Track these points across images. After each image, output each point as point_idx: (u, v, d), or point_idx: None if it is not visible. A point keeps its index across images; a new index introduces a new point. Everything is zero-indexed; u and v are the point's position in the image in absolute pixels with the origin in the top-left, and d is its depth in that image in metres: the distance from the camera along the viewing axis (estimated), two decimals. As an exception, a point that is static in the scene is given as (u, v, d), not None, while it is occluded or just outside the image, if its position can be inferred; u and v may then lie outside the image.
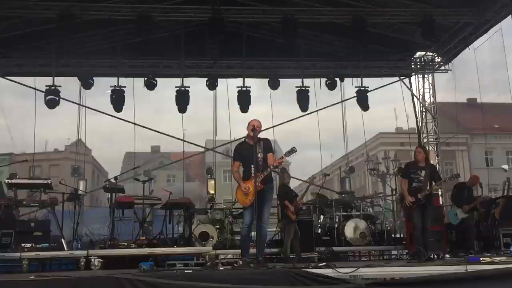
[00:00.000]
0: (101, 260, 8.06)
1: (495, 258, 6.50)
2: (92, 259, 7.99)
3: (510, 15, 10.87)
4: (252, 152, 6.79)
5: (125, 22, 11.59)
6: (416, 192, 7.88)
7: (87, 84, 13.18)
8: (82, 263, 8.03)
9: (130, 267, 7.80)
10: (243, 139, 7.29)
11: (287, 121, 14.87)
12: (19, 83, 13.45)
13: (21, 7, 10.51)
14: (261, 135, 7.23)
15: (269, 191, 7.08)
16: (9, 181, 8.57)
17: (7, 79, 13.41)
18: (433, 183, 7.96)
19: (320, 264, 5.61)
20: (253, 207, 6.73)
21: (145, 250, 8.47)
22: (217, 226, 10.86)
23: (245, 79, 13.67)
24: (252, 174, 6.76)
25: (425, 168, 8.05)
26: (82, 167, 17.43)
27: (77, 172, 14.62)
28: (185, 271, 5.35)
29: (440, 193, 12.35)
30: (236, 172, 7.03)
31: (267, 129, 13.47)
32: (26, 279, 4.61)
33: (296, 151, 6.86)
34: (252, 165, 6.78)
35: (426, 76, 14.31)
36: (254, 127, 6.93)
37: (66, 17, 10.39)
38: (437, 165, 13.86)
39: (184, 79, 13.48)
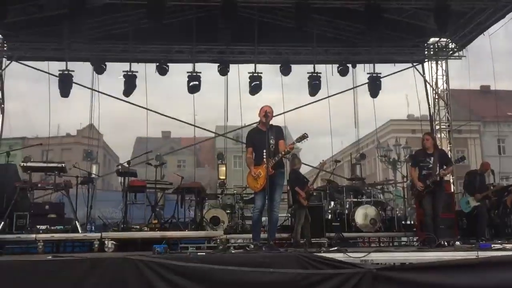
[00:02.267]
0: (114, 243, 8.20)
1: (506, 245, 6.51)
2: (106, 242, 8.14)
3: (527, 1, 10.70)
4: (264, 138, 6.85)
5: (137, 7, 11.59)
6: (425, 178, 7.94)
7: (99, 69, 13.24)
8: (96, 245, 8.19)
9: (142, 250, 7.94)
10: (255, 125, 7.34)
11: (298, 107, 14.90)
12: (32, 67, 13.56)
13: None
14: (273, 121, 7.29)
15: (280, 176, 7.16)
16: (24, 164, 8.71)
17: (21, 63, 13.51)
18: (442, 169, 7.98)
19: (332, 249, 5.67)
20: (264, 191, 6.83)
21: (157, 234, 8.60)
22: (228, 211, 10.96)
23: (257, 65, 13.65)
24: (264, 160, 6.83)
25: (434, 154, 8.09)
26: (95, 151, 17.59)
27: (90, 156, 14.78)
28: (198, 253, 5.43)
29: (451, 180, 12.34)
30: (250, 157, 7.09)
31: (278, 115, 13.46)
32: (44, 259, 4.72)
33: (308, 137, 6.89)
34: (264, 151, 6.84)
35: (439, 62, 14.17)
36: (266, 113, 6.97)
37: (78, 1, 10.41)
38: (449, 153, 13.81)
39: (196, 64, 13.50)
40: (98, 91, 13.56)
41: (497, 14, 11.67)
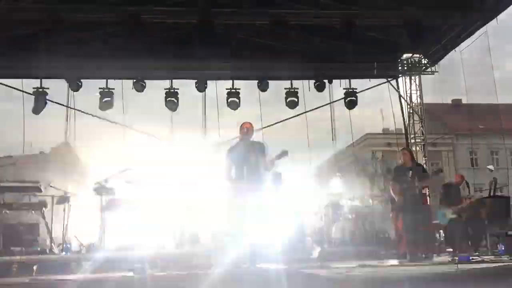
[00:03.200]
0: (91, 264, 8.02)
1: (484, 257, 6.61)
2: (83, 263, 7.95)
3: (496, 18, 11.05)
4: (244, 154, 6.81)
5: (114, 24, 11.53)
6: (404, 192, 8.05)
7: (74, 86, 13.06)
8: (73, 267, 7.99)
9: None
10: (235, 142, 7.33)
11: (276, 123, 14.92)
12: (5, 85, 13.29)
13: (8, 10, 10.38)
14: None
15: None
16: (-3, 184, 8.50)
17: (-6, 81, 13.25)
18: (420, 181, 8.13)
19: (314, 265, 5.65)
20: None
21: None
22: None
23: (235, 81, 13.70)
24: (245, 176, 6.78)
25: (412, 168, 8.23)
26: (71, 169, 17.29)
27: (66, 174, 14.47)
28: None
29: (427, 193, 12.51)
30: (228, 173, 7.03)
31: (256, 130, 13.50)
32: (23, 281, 4.58)
33: (287, 154, 6.86)
34: (245, 167, 6.79)
35: (413, 77, 14.46)
36: (246, 129, 6.94)
37: (54, 19, 10.29)
38: (425, 166, 14.02)
39: (174, 81, 13.46)
40: (74, 108, 13.38)
41: (468, 30, 12.00)
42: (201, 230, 10.57)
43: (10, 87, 13.28)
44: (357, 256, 11.63)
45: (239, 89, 13.67)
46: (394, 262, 7.98)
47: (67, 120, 13.47)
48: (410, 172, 8.22)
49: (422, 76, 14.47)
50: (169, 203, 10.28)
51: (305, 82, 14.08)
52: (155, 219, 10.22)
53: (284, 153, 6.89)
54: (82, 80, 13.16)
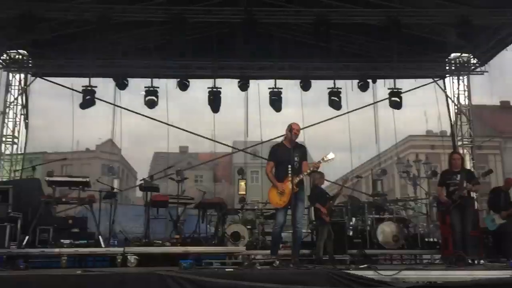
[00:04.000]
0: (137, 258, 8.22)
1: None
2: (129, 256, 8.16)
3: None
4: (289, 155, 6.93)
5: (159, 23, 11.76)
6: (452, 194, 7.90)
7: (121, 85, 13.39)
8: (119, 260, 8.20)
9: (164, 265, 7.93)
10: (279, 140, 7.38)
11: (318, 123, 14.83)
12: (56, 83, 13.80)
13: (60, 9, 10.75)
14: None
15: (302, 193, 7.20)
16: (49, 178, 8.80)
17: (46, 79, 13.76)
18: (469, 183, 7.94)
19: (361, 266, 5.58)
20: (287, 208, 6.96)
21: (180, 249, 8.59)
22: (249, 226, 10.90)
23: (277, 80, 13.68)
24: (287, 176, 6.89)
25: (461, 172, 8.10)
26: (115, 166, 17.79)
27: (111, 171, 14.92)
28: (226, 269, 5.39)
29: (475, 197, 12.12)
30: (270, 172, 7.11)
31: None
32: (74, 273, 4.74)
33: (333, 157, 7.05)
34: (288, 167, 6.89)
35: (461, 77, 14.04)
36: (295, 131, 7.09)
37: (103, 19, 10.59)
38: (472, 169, 13.60)
39: (217, 80, 13.59)
40: (120, 107, 13.73)
41: (521, 29, 11.56)
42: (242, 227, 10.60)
43: (60, 85, 13.77)
44: (401, 260, 11.57)
45: (281, 88, 13.65)
46: (440, 266, 7.78)
47: (113, 118, 13.85)
48: (459, 176, 8.06)
49: (471, 76, 14.00)
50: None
51: (348, 81, 13.93)
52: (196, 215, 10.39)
53: (330, 157, 7.07)
54: (128, 79, 13.47)
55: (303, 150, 7.22)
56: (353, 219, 11.45)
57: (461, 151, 13.65)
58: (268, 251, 8.38)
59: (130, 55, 13.36)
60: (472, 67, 13.80)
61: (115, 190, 10.74)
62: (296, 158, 6.99)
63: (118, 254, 8.23)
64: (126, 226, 12.92)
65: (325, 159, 7.03)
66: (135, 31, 12.72)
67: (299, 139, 7.59)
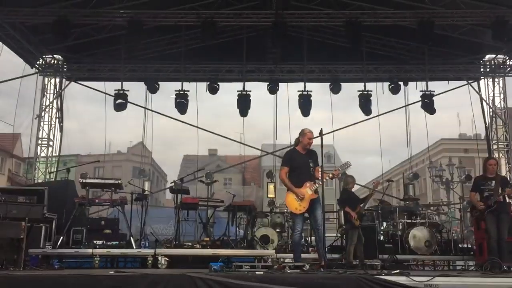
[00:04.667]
0: (167, 259, 8.32)
1: None
2: (159, 258, 8.27)
3: None
4: (304, 161, 7.12)
5: (189, 27, 11.90)
6: (487, 199, 7.72)
7: (152, 89, 13.61)
8: (150, 261, 8.32)
9: (193, 267, 7.99)
10: (293, 147, 7.48)
11: (347, 126, 14.68)
12: (90, 87, 14.13)
13: (92, 14, 11.00)
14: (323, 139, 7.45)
15: (319, 198, 7.17)
16: (83, 180, 9.00)
17: (80, 83, 14.11)
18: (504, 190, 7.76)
19: (394, 272, 5.48)
20: (304, 214, 7.08)
21: (209, 251, 8.65)
22: (278, 230, 10.85)
23: (306, 83, 13.64)
24: (305, 183, 6.99)
25: (495, 178, 8.00)
26: (146, 168, 18.06)
27: (142, 173, 15.17)
28: (256, 273, 5.39)
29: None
30: (286, 177, 7.14)
31: (327, 133, 13.35)
32: (107, 274, 4.82)
33: (351, 165, 7.29)
34: (305, 173, 7.04)
35: (496, 79, 13.67)
36: (311, 140, 7.21)
37: (135, 23, 10.78)
38: (508, 173, 13.23)
39: (246, 83, 13.64)
40: (152, 110, 13.95)
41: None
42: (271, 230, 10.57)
43: (93, 89, 14.08)
44: (434, 266, 11.31)
45: (310, 91, 13.58)
46: (475, 273, 7.57)
47: (145, 122, 14.06)
48: (493, 182, 7.88)
49: (507, 78, 13.64)
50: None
51: (379, 84, 13.75)
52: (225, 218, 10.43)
53: (347, 165, 7.32)
54: (159, 83, 13.66)
55: (315, 155, 7.29)
56: (384, 223, 11.26)
57: (496, 155, 13.32)
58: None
59: (161, 59, 13.56)
60: (508, 69, 13.45)
61: (146, 192, 10.89)
62: (311, 164, 7.13)
63: (149, 256, 8.35)
64: (157, 228, 13.13)
65: (342, 167, 7.27)
66: (166, 35, 12.91)
67: (329, 141, 7.64)
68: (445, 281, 4.81)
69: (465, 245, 11.35)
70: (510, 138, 13.91)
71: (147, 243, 9.31)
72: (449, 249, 10.65)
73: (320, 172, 7.08)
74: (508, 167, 13.47)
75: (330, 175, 7.12)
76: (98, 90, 13.91)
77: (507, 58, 13.25)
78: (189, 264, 8.84)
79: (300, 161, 7.13)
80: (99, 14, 11.02)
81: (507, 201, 8.51)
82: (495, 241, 7.52)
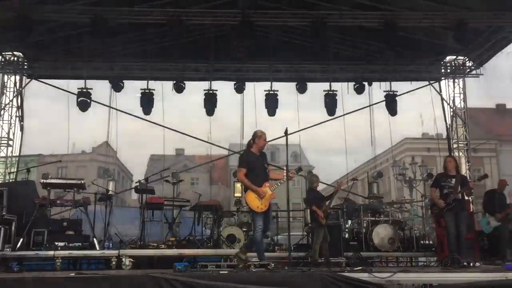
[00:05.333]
0: (132, 260, 8.21)
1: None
2: (123, 259, 8.16)
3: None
4: (260, 162, 7.38)
5: (155, 26, 11.75)
6: (446, 196, 7.95)
7: (117, 87, 13.38)
8: (114, 263, 8.20)
9: (159, 267, 7.92)
10: (247, 149, 7.58)
11: (313, 125, 14.81)
12: (52, 85, 13.76)
13: (56, 11, 10.72)
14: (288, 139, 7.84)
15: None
16: (44, 180, 8.78)
17: (41, 81, 13.72)
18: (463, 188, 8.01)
19: (356, 268, 5.57)
20: (264, 212, 7.20)
21: (175, 251, 8.58)
22: (244, 229, 10.86)
23: (273, 82, 13.69)
24: (263, 183, 7.19)
25: (456, 176, 8.21)
26: (111, 168, 17.74)
27: (107, 173, 14.87)
28: (221, 272, 5.37)
29: (471, 200, 12.15)
30: (245, 178, 7.25)
31: (293, 133, 13.47)
32: (67, 276, 4.71)
33: (302, 170, 7.76)
34: (263, 174, 7.27)
35: (456, 80, 14.07)
36: (265, 142, 7.49)
37: (99, 21, 10.56)
38: (467, 171, 13.63)
39: (212, 82, 13.58)
40: (116, 109, 13.68)
41: (515, 32, 11.60)
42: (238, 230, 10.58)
43: (56, 87, 13.72)
44: (397, 262, 11.57)
45: (277, 91, 13.64)
46: (435, 269, 7.78)
47: (109, 121, 13.80)
48: (453, 179, 8.12)
49: (466, 79, 14.04)
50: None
51: (344, 84, 13.94)
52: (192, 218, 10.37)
53: (300, 169, 7.65)
54: (124, 81, 13.44)
55: (266, 156, 7.59)
56: (349, 221, 11.46)
57: (456, 154, 13.70)
58: (266, 254, 8.37)
59: (126, 57, 13.34)
60: (468, 70, 13.84)
61: (110, 193, 10.71)
62: (265, 165, 7.42)
63: (113, 257, 8.22)
64: (122, 228, 12.88)
65: (297, 170, 7.52)
66: (131, 33, 12.71)
67: (295, 141, 7.78)
68: (405, 277, 4.93)
69: (427, 242, 11.67)
70: (470, 137, 14.35)
71: (110, 244, 9.16)
72: (411, 245, 10.92)
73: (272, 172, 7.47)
74: (468, 165, 13.88)
75: (285, 177, 7.34)
76: (60, 88, 13.59)
77: (467, 59, 13.64)
78: (154, 264, 8.75)
79: (257, 162, 7.35)
80: (61, 10, 10.74)
81: (466, 199, 8.80)
82: (454, 237, 7.75)
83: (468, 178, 13.00)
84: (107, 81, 13.44)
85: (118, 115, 13.87)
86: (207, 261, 8.95)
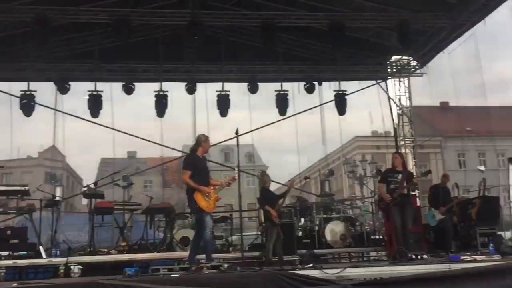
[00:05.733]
0: (81, 267, 7.97)
1: (476, 256, 6.65)
2: (72, 266, 7.91)
3: (483, 20, 11.16)
4: (205, 165, 7.56)
5: (102, 26, 11.46)
6: (393, 192, 8.19)
7: (63, 89, 12.94)
8: (62, 271, 7.92)
9: (111, 273, 7.70)
10: (192, 152, 7.58)
11: (265, 125, 14.87)
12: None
13: (-4, 11, 10.26)
14: (241, 139, 8.10)
15: None
16: (-15, 188, 8.37)
17: (-20, 84, 13.07)
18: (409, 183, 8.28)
19: (307, 266, 5.64)
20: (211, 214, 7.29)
21: (126, 256, 8.40)
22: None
23: (224, 83, 13.66)
24: (208, 184, 7.25)
25: (402, 172, 8.44)
26: (58, 173, 17.15)
27: (54, 178, 14.34)
28: (172, 275, 5.29)
29: (417, 194, 12.59)
30: (191, 180, 7.21)
31: (245, 133, 13.49)
32: (10, 287, 4.50)
33: (236, 176, 7.85)
34: (207, 177, 7.34)
35: (402, 79, 14.54)
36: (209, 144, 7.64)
37: (42, 20, 10.18)
38: (414, 167, 14.12)
39: (163, 83, 13.39)
40: (62, 112, 13.24)
41: (455, 33, 12.11)
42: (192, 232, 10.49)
43: (-3, 90, 13.09)
44: (349, 258, 11.82)
45: (228, 91, 13.63)
46: (384, 263, 8.01)
47: (54, 124, 13.34)
48: (400, 175, 8.39)
49: (411, 78, 14.53)
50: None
51: (295, 84, 14.10)
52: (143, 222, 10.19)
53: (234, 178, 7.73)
54: (70, 83, 13.02)
55: (205, 161, 7.73)
56: (302, 219, 11.60)
57: (403, 151, 14.15)
58: (217, 255, 8.35)
59: (72, 58, 12.92)
60: (412, 70, 14.33)
61: (57, 198, 10.33)
62: (208, 168, 7.58)
63: (61, 265, 7.94)
64: (70, 235, 12.52)
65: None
66: (77, 33, 12.33)
67: (247, 142, 7.80)
68: (355, 272, 5.05)
69: (377, 237, 12.00)
70: (416, 134, 14.88)
71: (58, 251, 8.84)
72: (362, 241, 11.19)
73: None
74: (414, 161, 14.37)
75: (228, 182, 7.48)
76: (1, 91, 12.98)
77: (411, 59, 14.12)
78: (105, 271, 8.50)
79: (202, 165, 7.47)
80: (2, 9, 10.28)
81: (412, 193, 9.12)
82: (400, 231, 8.00)
83: (414, 173, 13.50)
84: (52, 83, 12.97)
85: (65, 118, 13.45)
86: (160, 265, 8.87)
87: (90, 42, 12.67)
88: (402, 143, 14.42)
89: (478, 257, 6.58)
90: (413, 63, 14.20)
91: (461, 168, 34.38)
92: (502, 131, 33.47)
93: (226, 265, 6.57)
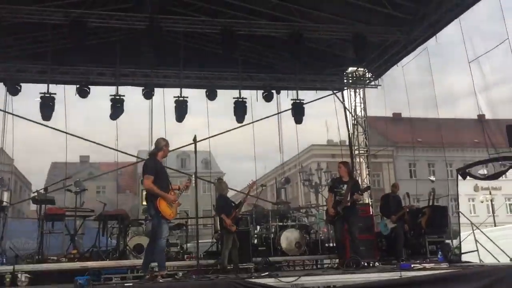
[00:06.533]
0: (28, 276, 7.64)
1: (425, 264, 6.86)
2: (19, 275, 7.57)
3: (435, 36, 11.63)
4: (164, 168, 7.35)
5: (57, 26, 11.15)
6: (337, 205, 8.38)
7: (13, 90, 12.47)
8: (8, 279, 7.57)
9: (60, 282, 7.47)
10: (152, 156, 7.34)
11: (223, 132, 14.88)
12: None
13: None
14: (198, 145, 8.06)
15: None
16: None
17: None
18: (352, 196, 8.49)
19: (263, 274, 5.65)
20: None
21: (77, 264, 8.15)
22: (153, 238, 10.59)
23: (182, 89, 13.56)
24: (170, 191, 7.10)
25: (348, 182, 8.61)
26: (6, 177, 16.44)
27: (1, 183, 13.73)
28: (125, 284, 5.18)
29: (370, 203, 12.90)
30: (154, 185, 6.98)
31: (203, 140, 13.46)
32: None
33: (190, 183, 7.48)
34: (167, 182, 7.15)
35: (357, 90, 14.90)
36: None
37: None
38: (367, 176, 14.46)
39: (120, 87, 13.14)
40: (12, 114, 12.73)
41: (409, 47, 12.55)
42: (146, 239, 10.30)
43: None
44: (303, 266, 11.92)
45: (186, 97, 13.53)
46: (338, 271, 8.14)
47: (4, 127, 12.81)
48: (345, 186, 8.55)
49: (366, 89, 14.92)
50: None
51: (253, 92, 14.20)
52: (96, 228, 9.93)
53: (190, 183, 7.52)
54: (21, 84, 12.57)
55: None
56: (258, 227, 11.62)
57: (357, 160, 14.49)
58: (172, 263, 8.24)
59: (24, 59, 12.48)
60: (367, 81, 14.73)
61: (4, 204, 9.90)
62: (167, 172, 7.40)
63: (7, 273, 7.59)
64: (18, 242, 11.98)
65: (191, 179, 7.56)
66: (31, 33, 11.94)
67: (205, 148, 7.72)
68: (309, 280, 5.10)
69: (331, 244, 12.16)
70: (369, 144, 15.25)
71: (4, 259, 8.46)
72: (317, 249, 11.32)
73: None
74: (368, 170, 14.72)
75: (185, 186, 7.34)
76: None
77: (366, 71, 14.53)
78: (54, 280, 8.22)
79: (162, 169, 7.26)
80: None
81: (358, 202, 9.32)
82: (340, 243, 8.39)
83: (367, 182, 13.83)
84: (1, 83, 12.49)
85: (15, 120, 12.93)
86: (112, 274, 8.64)
87: (43, 42, 12.31)
88: (356, 152, 14.74)
89: (427, 265, 6.80)
90: (369, 74, 14.61)
91: (412, 178, 35.48)
92: (452, 142, 34.85)
93: (181, 273, 6.48)
